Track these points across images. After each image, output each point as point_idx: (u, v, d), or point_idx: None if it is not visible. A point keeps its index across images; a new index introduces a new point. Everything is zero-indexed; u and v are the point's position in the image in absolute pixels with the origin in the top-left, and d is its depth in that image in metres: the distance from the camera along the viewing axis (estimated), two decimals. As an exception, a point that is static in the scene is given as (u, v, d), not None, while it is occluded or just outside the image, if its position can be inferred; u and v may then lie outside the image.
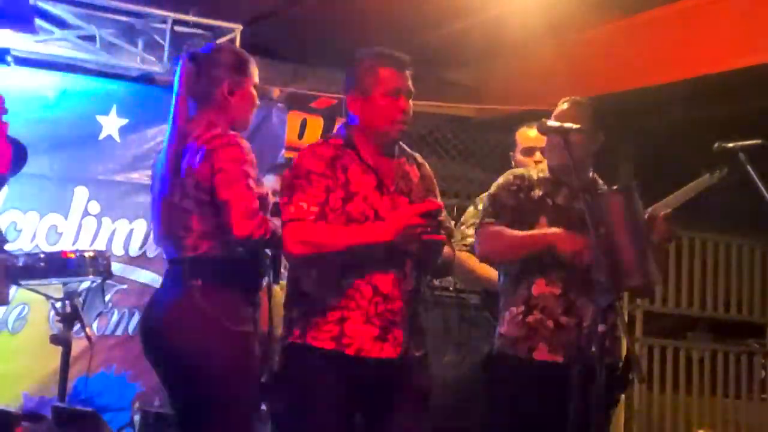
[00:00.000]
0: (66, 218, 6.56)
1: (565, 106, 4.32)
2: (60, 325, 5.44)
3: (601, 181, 4.40)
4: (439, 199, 3.84)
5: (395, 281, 3.58)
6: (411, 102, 3.69)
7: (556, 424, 3.86)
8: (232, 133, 3.71)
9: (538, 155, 4.88)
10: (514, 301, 4.17)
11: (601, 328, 3.51)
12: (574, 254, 3.98)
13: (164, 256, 3.86)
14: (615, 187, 4.18)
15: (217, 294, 3.62)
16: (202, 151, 3.62)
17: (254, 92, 3.87)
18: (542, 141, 4.64)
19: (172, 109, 3.77)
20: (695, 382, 8.73)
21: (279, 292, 5.08)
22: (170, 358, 3.64)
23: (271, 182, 5.67)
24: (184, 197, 3.65)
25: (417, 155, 3.88)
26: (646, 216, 4.09)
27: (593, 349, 3.64)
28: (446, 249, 3.75)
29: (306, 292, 3.61)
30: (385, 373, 3.56)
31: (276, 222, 3.66)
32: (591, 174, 4.35)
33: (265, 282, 5.05)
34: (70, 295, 5.38)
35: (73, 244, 6.47)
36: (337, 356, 3.53)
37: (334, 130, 3.89)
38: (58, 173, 6.53)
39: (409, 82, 3.69)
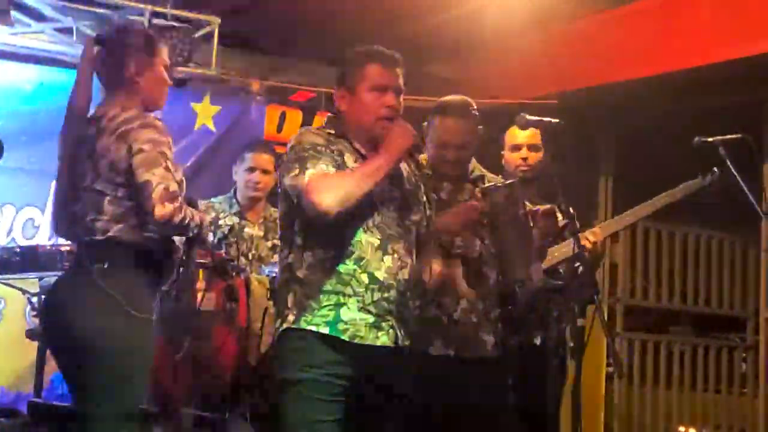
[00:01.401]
0: (43, 212, 6.54)
1: (451, 99, 4.46)
2: (36, 319, 5.40)
3: (490, 175, 4.51)
4: (425, 199, 3.89)
5: (392, 270, 3.58)
6: (401, 99, 3.71)
7: (452, 416, 4.02)
8: (147, 114, 3.68)
9: (524, 151, 5.09)
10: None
11: (579, 322, 3.51)
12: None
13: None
14: (498, 183, 4.25)
15: (121, 278, 3.60)
16: (117, 132, 3.58)
17: (164, 73, 3.83)
18: (531, 138, 5.03)
19: (72, 91, 3.72)
20: (675, 376, 8.74)
21: (258, 287, 5.07)
22: (71, 341, 3.59)
23: (248, 161, 5.71)
24: (97, 179, 3.60)
25: None
26: (526, 210, 4.16)
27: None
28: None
29: (301, 278, 3.58)
30: (379, 362, 3.56)
31: (196, 213, 3.69)
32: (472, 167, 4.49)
33: (243, 276, 5.07)
34: (46, 290, 5.33)
35: (50, 237, 6.43)
36: (332, 340, 3.51)
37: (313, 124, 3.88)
38: (36, 166, 6.48)
39: (400, 80, 3.69)
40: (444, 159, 4.32)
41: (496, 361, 4.31)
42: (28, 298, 5.41)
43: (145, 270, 3.69)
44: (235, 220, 5.68)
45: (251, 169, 5.71)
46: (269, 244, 5.69)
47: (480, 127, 4.41)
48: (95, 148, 3.61)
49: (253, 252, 5.64)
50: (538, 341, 4.75)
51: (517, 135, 5.09)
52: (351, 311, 3.53)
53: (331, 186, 3.45)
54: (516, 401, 4.40)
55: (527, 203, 4.20)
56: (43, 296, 3.95)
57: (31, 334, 5.39)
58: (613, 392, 8.24)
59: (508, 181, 4.27)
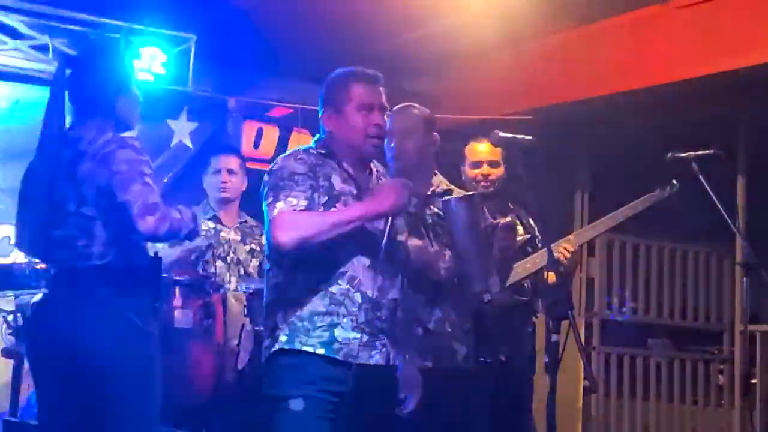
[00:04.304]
0: (19, 230, 6.49)
1: (401, 113, 4.50)
2: (11, 338, 5.37)
3: (457, 190, 4.55)
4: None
5: (383, 289, 3.62)
6: (386, 117, 3.75)
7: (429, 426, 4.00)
8: (123, 135, 3.71)
9: (485, 168, 5.05)
10: None
11: (554, 338, 3.52)
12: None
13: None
14: (458, 196, 4.26)
15: (131, 300, 3.64)
16: (98, 156, 3.59)
17: (138, 94, 3.84)
18: (491, 154, 5.00)
19: (48, 115, 3.71)
20: (653, 388, 8.75)
21: (234, 303, 5.07)
22: (95, 368, 3.57)
23: (213, 164, 5.76)
24: (83, 204, 3.61)
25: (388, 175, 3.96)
26: (487, 224, 4.19)
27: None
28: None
29: (293, 299, 3.60)
30: (371, 379, 3.58)
31: (181, 210, 3.70)
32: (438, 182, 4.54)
33: (221, 292, 5.06)
34: (21, 308, 5.30)
35: (26, 255, 6.40)
36: (327, 361, 3.53)
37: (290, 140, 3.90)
38: (11, 184, 6.42)
39: (383, 98, 3.73)
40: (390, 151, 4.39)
41: (469, 372, 4.34)
42: (4, 317, 5.38)
43: (146, 289, 3.70)
44: (211, 225, 5.70)
45: (217, 171, 5.75)
46: (247, 248, 5.72)
47: (435, 134, 4.49)
48: (76, 172, 3.60)
49: (231, 256, 5.66)
50: (504, 357, 4.77)
51: (477, 151, 5.09)
52: (345, 331, 3.55)
53: (294, 226, 3.48)
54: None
55: (488, 217, 4.23)
56: (31, 322, 3.91)
57: (6, 353, 5.37)
58: (591, 405, 8.25)
59: (468, 193, 4.30)
